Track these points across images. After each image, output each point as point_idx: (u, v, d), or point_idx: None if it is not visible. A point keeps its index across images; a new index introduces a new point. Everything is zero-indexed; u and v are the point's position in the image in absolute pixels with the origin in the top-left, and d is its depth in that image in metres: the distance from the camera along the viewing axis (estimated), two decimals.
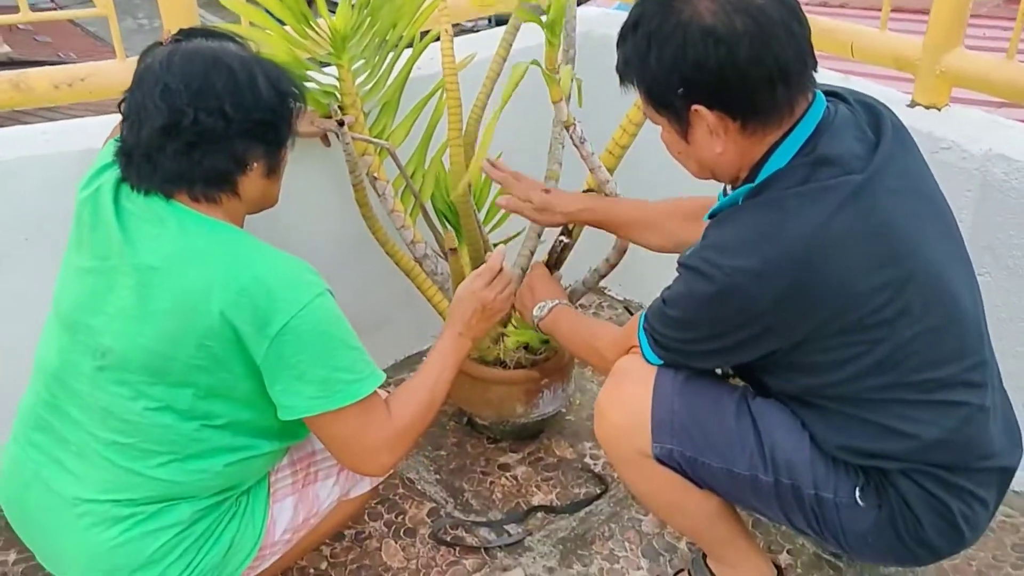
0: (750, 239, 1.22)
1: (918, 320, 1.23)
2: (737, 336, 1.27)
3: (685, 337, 1.35)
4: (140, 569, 1.30)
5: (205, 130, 1.25)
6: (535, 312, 1.73)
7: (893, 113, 1.31)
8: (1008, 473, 1.35)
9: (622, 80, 1.31)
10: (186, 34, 1.34)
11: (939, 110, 1.88)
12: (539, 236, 1.89)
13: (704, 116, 1.23)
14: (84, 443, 1.31)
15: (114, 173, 1.32)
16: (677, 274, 1.32)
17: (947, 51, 1.83)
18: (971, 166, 1.74)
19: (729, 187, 1.37)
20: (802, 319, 1.22)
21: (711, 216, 1.33)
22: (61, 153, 1.72)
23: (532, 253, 1.90)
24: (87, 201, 1.33)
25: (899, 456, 1.29)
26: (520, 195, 1.76)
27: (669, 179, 2.30)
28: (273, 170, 1.37)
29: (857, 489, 1.32)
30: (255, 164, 1.32)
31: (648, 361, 1.43)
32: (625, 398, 1.44)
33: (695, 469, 1.40)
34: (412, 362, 2.39)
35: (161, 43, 1.33)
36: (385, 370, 1.39)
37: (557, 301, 1.73)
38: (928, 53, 1.85)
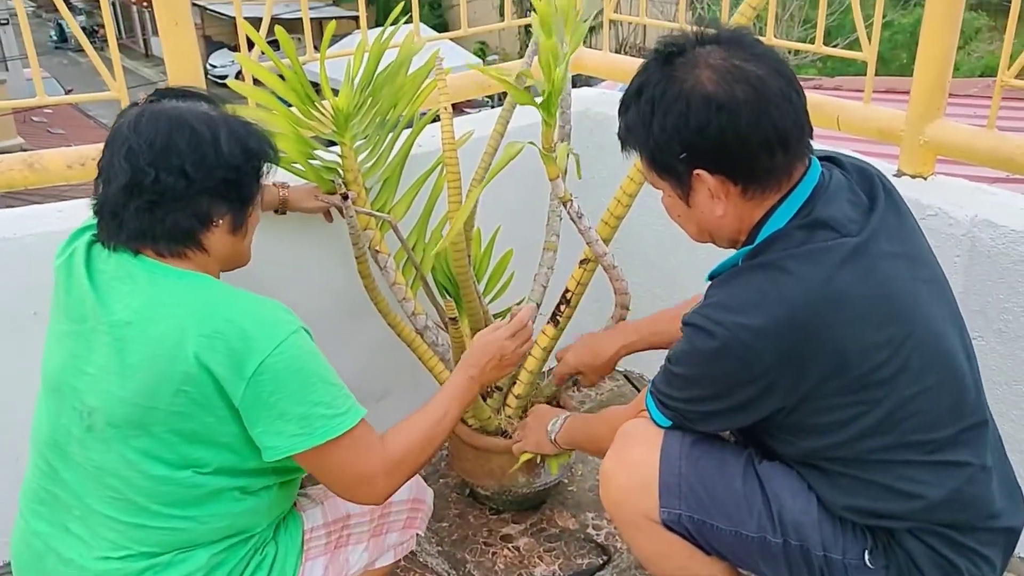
0: (752, 298, 1.24)
1: (916, 380, 1.24)
2: (740, 395, 1.27)
3: (689, 396, 1.35)
4: None
5: (166, 189, 1.27)
6: (549, 427, 1.78)
7: (885, 177, 1.34)
8: (1013, 533, 1.34)
9: (624, 146, 1.35)
10: (160, 95, 1.37)
11: (925, 179, 1.93)
12: (538, 307, 1.93)
13: (705, 180, 1.26)
14: (85, 506, 1.31)
15: (85, 238, 1.36)
16: (681, 334, 1.33)
17: (929, 121, 1.89)
18: (958, 232, 1.78)
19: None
20: (804, 377, 1.23)
21: (711, 277, 1.35)
22: (73, 229, 1.76)
23: (532, 322, 1.93)
24: (61, 267, 1.36)
25: (905, 516, 1.28)
26: (568, 370, 1.90)
27: (665, 251, 2.37)
28: (239, 227, 1.37)
29: (867, 552, 1.31)
30: (220, 221, 1.33)
31: (656, 423, 1.43)
32: (632, 461, 1.43)
33: (703, 533, 1.39)
34: None
35: (136, 104, 1.36)
36: None
37: (567, 414, 1.79)
38: (911, 124, 1.91)
